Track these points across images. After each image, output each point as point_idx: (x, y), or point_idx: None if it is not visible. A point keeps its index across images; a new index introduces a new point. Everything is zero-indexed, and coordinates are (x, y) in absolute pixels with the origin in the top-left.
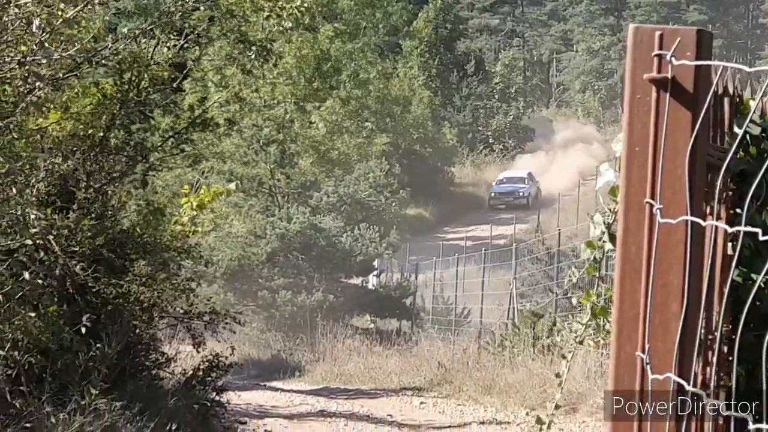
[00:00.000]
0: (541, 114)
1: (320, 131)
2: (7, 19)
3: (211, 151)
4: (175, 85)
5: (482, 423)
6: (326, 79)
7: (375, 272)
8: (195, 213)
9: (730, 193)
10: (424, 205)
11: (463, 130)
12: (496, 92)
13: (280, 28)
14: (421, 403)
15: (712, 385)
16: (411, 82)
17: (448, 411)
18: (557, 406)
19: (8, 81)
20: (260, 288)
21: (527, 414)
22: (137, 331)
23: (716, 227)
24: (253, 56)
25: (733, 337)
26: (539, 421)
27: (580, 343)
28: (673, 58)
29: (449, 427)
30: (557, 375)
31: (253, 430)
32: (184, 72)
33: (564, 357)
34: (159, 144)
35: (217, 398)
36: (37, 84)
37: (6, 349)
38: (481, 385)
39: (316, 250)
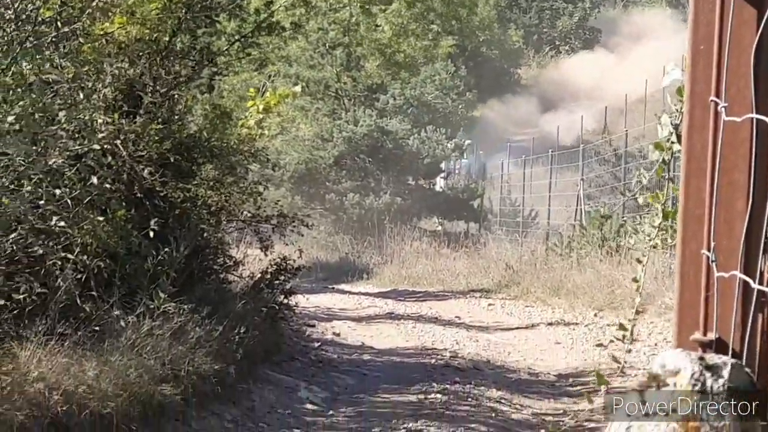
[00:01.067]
0: (608, 14)
1: (386, 34)
2: None
3: (277, 54)
4: None
5: (550, 324)
6: None
7: (442, 174)
8: (261, 116)
9: None
10: (491, 106)
11: (528, 32)
12: None
13: None
14: (489, 304)
15: None
16: None
17: (515, 312)
18: (637, 312)
19: None
20: (328, 191)
21: (595, 315)
22: (205, 234)
23: None
24: None
25: None
26: (622, 327)
27: (654, 247)
28: None
29: (517, 328)
30: (635, 280)
31: (322, 332)
32: None
33: (639, 261)
34: (225, 48)
35: (286, 301)
36: None
37: (75, 253)
38: (549, 286)
39: (383, 153)
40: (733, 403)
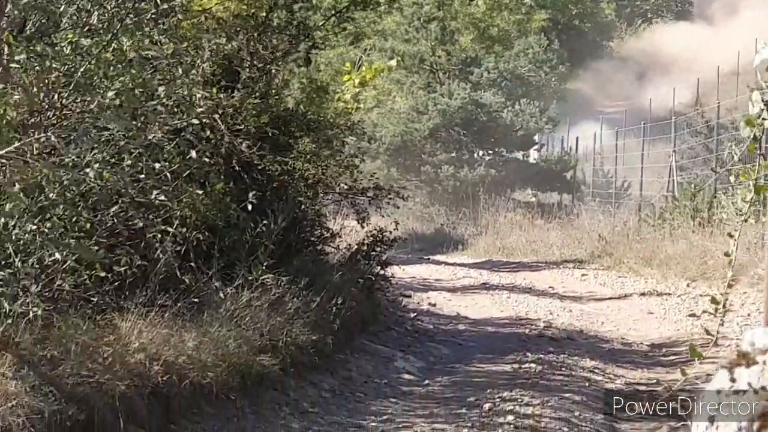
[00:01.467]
0: None
1: (480, 8)
2: None
3: (373, 29)
4: None
5: (643, 294)
6: None
7: (536, 146)
8: (357, 90)
9: None
10: (583, 79)
11: (620, 5)
12: None
13: None
14: (582, 275)
15: None
16: None
17: (608, 283)
18: (729, 285)
19: None
20: (423, 163)
21: (688, 285)
22: (302, 207)
23: None
24: None
25: None
26: (714, 301)
27: (745, 221)
28: None
29: (610, 298)
30: (726, 254)
31: (418, 303)
32: None
33: (731, 236)
34: (321, 23)
35: (382, 272)
36: None
37: (174, 226)
38: (642, 257)
39: (477, 126)
40: None
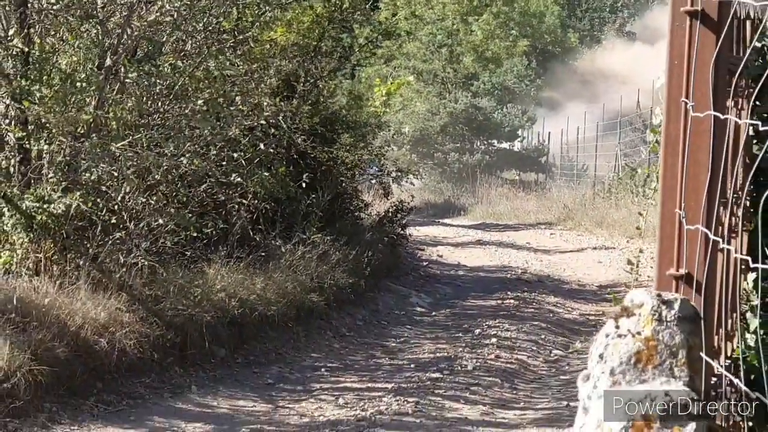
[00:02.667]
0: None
1: (478, 37)
2: None
3: (399, 52)
4: (369, 5)
5: (594, 248)
6: None
7: (519, 138)
8: (385, 98)
9: (750, 90)
10: (554, 88)
11: (583, 35)
12: (607, 6)
13: None
14: (551, 233)
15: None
16: (545, 0)
17: (570, 239)
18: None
19: (247, 6)
20: (435, 151)
21: (627, 242)
22: (343, 185)
23: (738, 120)
24: None
25: (755, 195)
26: (629, 262)
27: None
28: None
29: (571, 251)
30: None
31: (429, 254)
32: None
33: (641, 214)
34: (361, 47)
35: (402, 232)
36: (267, 8)
37: (248, 199)
38: (594, 220)
39: (475, 123)
40: (681, 326)
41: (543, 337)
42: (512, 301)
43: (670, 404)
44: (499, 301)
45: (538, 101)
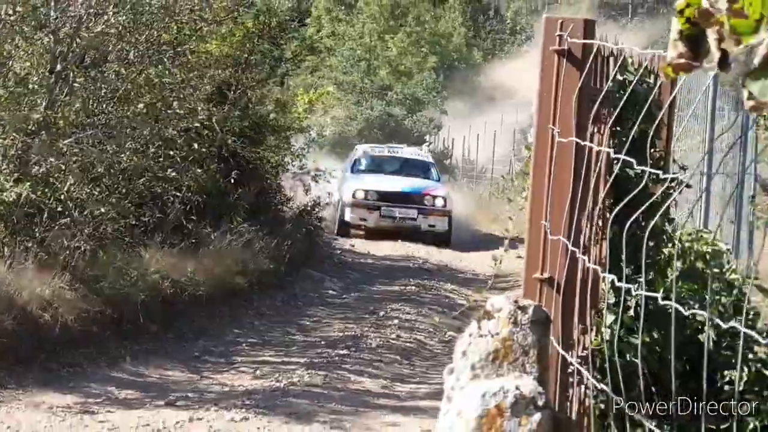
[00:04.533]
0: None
1: (393, 53)
2: None
3: (323, 64)
4: (296, 23)
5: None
6: (397, 20)
7: (427, 143)
8: (307, 106)
9: (609, 118)
10: (459, 100)
11: (486, 53)
12: (507, 29)
13: None
14: None
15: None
16: (453, 22)
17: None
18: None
19: (185, 23)
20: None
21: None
22: (268, 181)
23: (597, 146)
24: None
25: (614, 207)
26: (494, 258)
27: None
28: (567, 37)
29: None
30: (506, 230)
31: (342, 244)
32: (302, 15)
33: (510, 219)
34: (287, 60)
35: (318, 224)
36: (203, 24)
37: (182, 192)
38: (489, 217)
39: (388, 129)
40: (534, 329)
41: (437, 319)
42: (413, 287)
43: (520, 396)
44: (402, 287)
45: (444, 110)
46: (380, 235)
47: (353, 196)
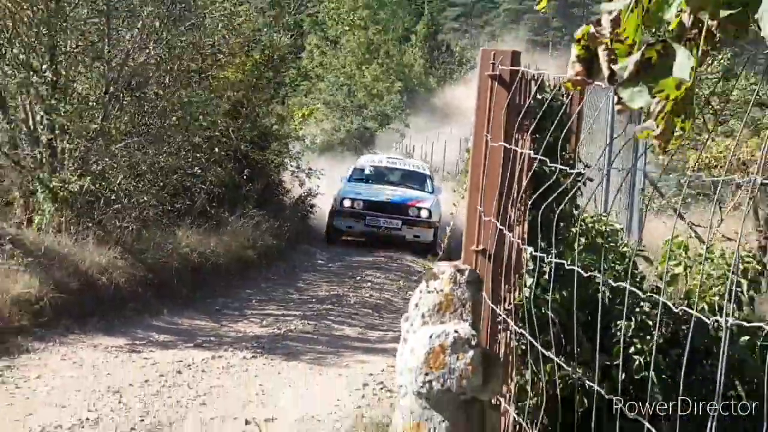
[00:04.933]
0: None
1: (368, 79)
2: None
3: (314, 88)
4: (293, 56)
5: (447, 224)
6: (371, 54)
7: (393, 149)
8: (301, 119)
9: (532, 128)
10: (419, 116)
11: (439, 79)
12: (456, 61)
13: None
14: None
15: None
16: (414, 56)
17: None
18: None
19: (209, 55)
20: (337, 155)
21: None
22: (272, 177)
23: (521, 149)
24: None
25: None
26: (444, 235)
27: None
28: (499, 65)
29: None
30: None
31: None
32: (298, 50)
33: (455, 205)
34: (286, 84)
35: (311, 210)
36: (222, 56)
37: (206, 185)
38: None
39: (364, 138)
40: (469, 287)
41: (401, 282)
42: (383, 258)
43: (458, 338)
44: (374, 258)
45: (407, 124)
46: (368, 243)
47: (341, 204)
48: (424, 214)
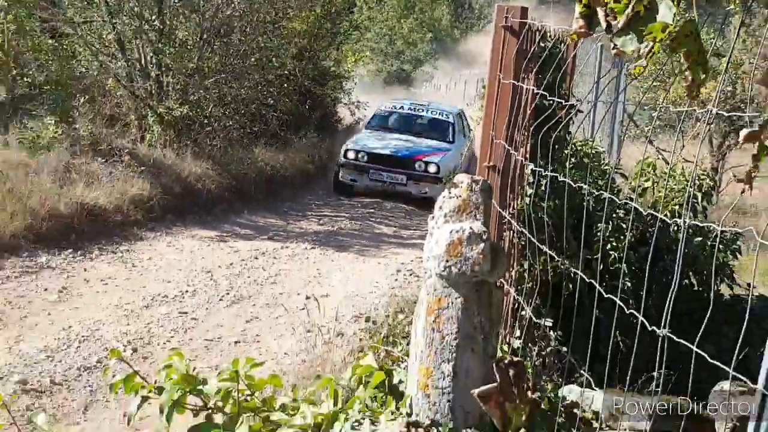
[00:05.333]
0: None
1: (405, 30)
2: None
3: (363, 37)
4: (347, 11)
5: None
6: (408, 10)
7: (423, 87)
8: (353, 63)
9: (536, 69)
10: (445, 61)
11: (462, 31)
12: (476, 15)
13: None
14: None
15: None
16: (443, 11)
17: None
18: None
19: (281, 9)
20: (381, 91)
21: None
22: (328, 108)
23: (526, 86)
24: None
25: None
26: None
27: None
28: (512, 18)
29: None
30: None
31: None
32: (351, 5)
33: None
34: (341, 33)
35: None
36: (290, 10)
37: (277, 113)
38: None
39: (401, 78)
40: (482, 194)
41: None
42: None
43: (473, 233)
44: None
45: (435, 67)
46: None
47: (345, 155)
48: (431, 169)
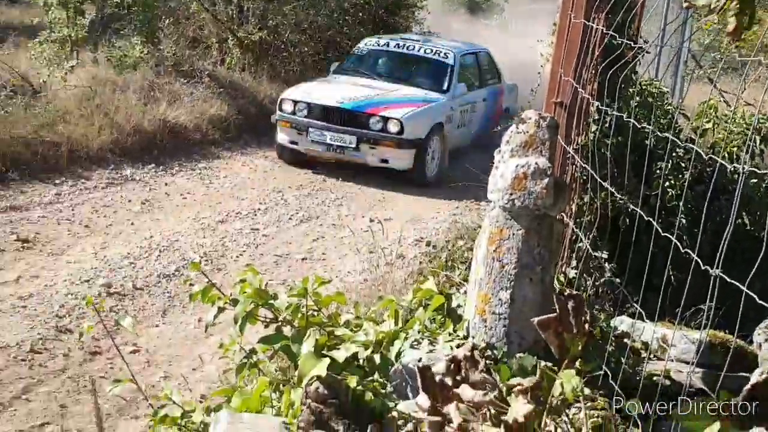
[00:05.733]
0: None
1: None
2: None
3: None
4: None
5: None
6: None
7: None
8: None
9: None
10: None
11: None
12: None
13: None
14: None
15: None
16: None
17: None
18: (536, 87)
19: None
20: (455, 20)
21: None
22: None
23: (596, 25)
24: None
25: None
26: (532, 90)
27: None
28: None
29: None
30: (538, 73)
31: None
32: None
33: (539, 74)
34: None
35: None
36: None
37: (351, 40)
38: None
39: (473, 8)
40: (548, 130)
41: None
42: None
43: (537, 168)
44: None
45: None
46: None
47: (279, 107)
48: (392, 128)
